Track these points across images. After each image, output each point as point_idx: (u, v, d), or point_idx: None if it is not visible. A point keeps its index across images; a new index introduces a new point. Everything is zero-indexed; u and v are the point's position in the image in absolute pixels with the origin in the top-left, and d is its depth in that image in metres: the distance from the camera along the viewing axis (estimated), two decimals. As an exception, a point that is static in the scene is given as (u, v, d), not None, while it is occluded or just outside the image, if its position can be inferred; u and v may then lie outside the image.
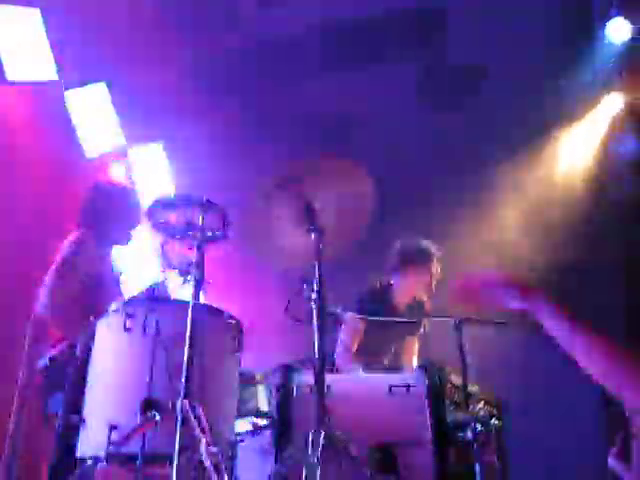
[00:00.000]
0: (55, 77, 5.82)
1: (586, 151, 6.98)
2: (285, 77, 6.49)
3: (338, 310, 4.14)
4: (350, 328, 4.51)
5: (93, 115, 6.15)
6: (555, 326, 1.79)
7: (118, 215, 4.02)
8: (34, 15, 5.63)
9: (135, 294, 3.51)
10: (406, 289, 4.82)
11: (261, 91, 6.59)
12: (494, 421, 3.72)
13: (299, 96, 6.43)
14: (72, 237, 3.89)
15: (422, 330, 4.88)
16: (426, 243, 4.83)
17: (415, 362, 4.76)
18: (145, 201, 4.66)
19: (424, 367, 3.49)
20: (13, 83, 5.52)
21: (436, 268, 4.79)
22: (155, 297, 3.12)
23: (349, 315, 4.50)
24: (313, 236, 3.08)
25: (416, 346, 4.90)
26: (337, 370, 4.32)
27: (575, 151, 6.98)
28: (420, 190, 6.30)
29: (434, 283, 4.79)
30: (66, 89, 6.01)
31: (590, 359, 1.71)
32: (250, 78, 6.56)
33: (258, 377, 3.74)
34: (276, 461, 3.14)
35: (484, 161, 6.33)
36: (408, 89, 6.65)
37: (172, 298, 3.39)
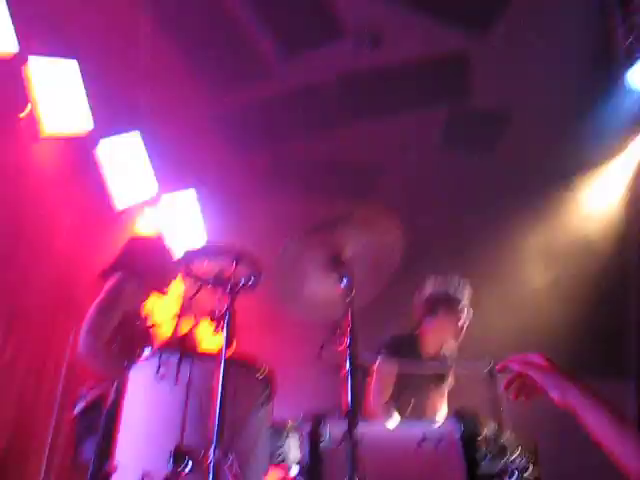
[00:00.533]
0: (91, 127, 5.91)
1: (613, 199, 6.95)
2: (314, 126, 6.56)
3: (369, 356, 4.13)
4: (382, 375, 4.47)
5: (126, 164, 6.22)
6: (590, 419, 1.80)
7: (155, 263, 4.08)
8: (71, 66, 5.70)
9: (167, 343, 3.55)
10: (435, 336, 4.77)
11: (290, 139, 6.66)
12: (531, 469, 3.65)
13: (328, 145, 6.50)
14: (114, 281, 3.95)
15: (447, 384, 4.83)
16: (455, 285, 4.78)
17: (440, 416, 4.68)
18: (177, 249, 4.71)
19: (458, 416, 3.45)
20: (48, 137, 5.61)
21: (467, 310, 4.73)
22: (186, 349, 3.13)
23: (380, 361, 4.46)
24: (343, 285, 3.08)
25: (442, 400, 4.83)
26: (368, 418, 4.28)
27: (601, 199, 6.95)
28: (444, 238, 6.31)
29: (465, 326, 4.73)
30: (99, 138, 6.09)
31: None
32: (280, 127, 6.64)
33: (290, 426, 3.71)
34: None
35: (508, 208, 6.33)
36: (433, 137, 6.70)
37: (202, 348, 3.41)
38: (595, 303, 6.49)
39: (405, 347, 4.70)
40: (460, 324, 4.73)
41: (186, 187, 6.81)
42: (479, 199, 6.50)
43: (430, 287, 4.84)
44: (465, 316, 4.73)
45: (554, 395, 1.88)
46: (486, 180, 6.49)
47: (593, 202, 6.97)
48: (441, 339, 4.78)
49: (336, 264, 3.11)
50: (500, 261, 6.59)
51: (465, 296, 4.75)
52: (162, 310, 4.24)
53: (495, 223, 6.41)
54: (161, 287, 4.17)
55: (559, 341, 6.12)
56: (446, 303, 4.73)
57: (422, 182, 6.44)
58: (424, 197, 6.45)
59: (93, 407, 3.65)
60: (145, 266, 4.10)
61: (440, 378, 4.79)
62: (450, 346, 4.84)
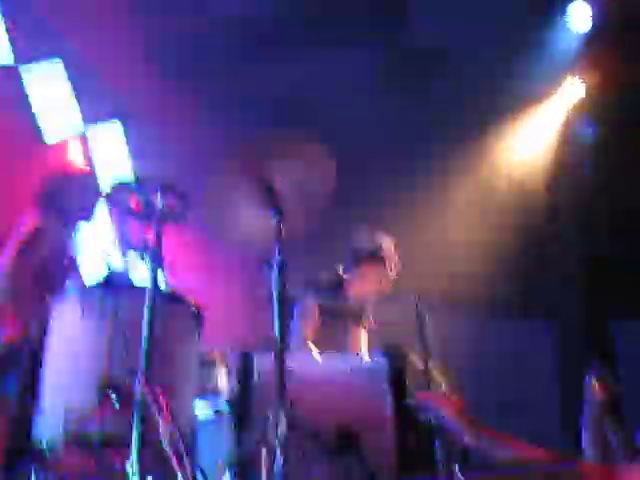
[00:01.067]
0: (11, 60, 5.71)
1: (545, 136, 7.04)
2: (241, 59, 6.42)
3: (297, 293, 4.14)
4: (306, 313, 4.51)
5: (50, 95, 6.03)
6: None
7: (75, 198, 3.98)
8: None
9: (95, 279, 3.49)
10: (360, 286, 4.80)
11: (215, 74, 6.51)
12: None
13: (255, 79, 6.38)
14: (30, 218, 3.85)
15: (367, 322, 4.89)
16: (380, 238, 4.79)
17: (362, 353, 4.74)
18: (104, 182, 4.61)
19: (385, 350, 3.50)
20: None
21: (391, 265, 4.77)
22: (112, 282, 3.07)
23: (307, 300, 4.49)
24: (274, 218, 3.05)
25: (363, 338, 4.89)
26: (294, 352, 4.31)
27: (534, 136, 7.04)
28: (375, 174, 6.31)
29: (390, 278, 4.78)
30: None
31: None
32: (203, 60, 6.47)
33: (217, 357, 3.71)
34: (236, 444, 3.12)
35: (439, 145, 6.36)
36: (366, 72, 6.63)
37: (131, 281, 3.36)
38: (522, 246, 6.63)
39: (333, 288, 4.73)
40: (384, 277, 4.76)
41: (111, 118, 6.65)
42: (413, 141, 6.49)
43: (356, 239, 4.84)
44: (390, 269, 4.76)
45: (466, 440, 2.18)
46: (421, 121, 6.48)
47: (525, 143, 7.06)
48: (365, 289, 4.81)
49: (267, 196, 3.07)
50: (431, 205, 6.64)
51: (390, 250, 4.78)
52: (89, 244, 4.17)
53: (428, 166, 6.44)
54: (81, 218, 4.09)
55: (484, 284, 6.25)
56: (370, 258, 4.74)
57: (356, 123, 6.37)
58: (357, 138, 6.39)
59: (14, 343, 3.59)
60: (65, 202, 4.00)
61: (361, 317, 4.85)
62: (374, 296, 4.89)
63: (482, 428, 2.10)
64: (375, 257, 4.72)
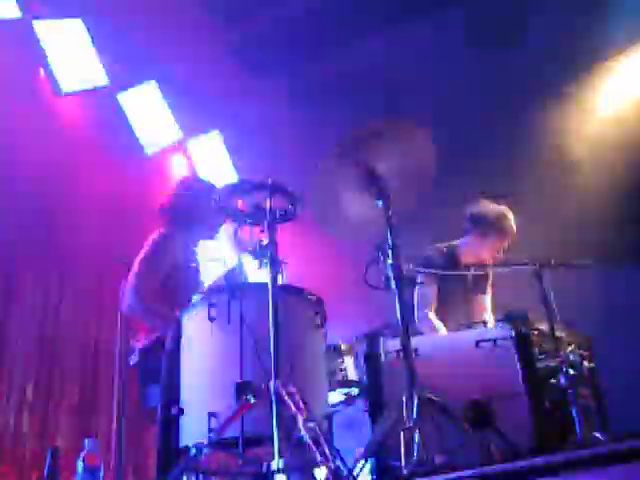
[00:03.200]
0: (106, 82, 5.93)
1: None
2: (329, 43, 6.41)
3: (411, 267, 4.13)
4: (427, 300, 4.50)
5: (148, 113, 6.25)
6: None
7: (204, 212, 4.02)
8: (77, 25, 5.72)
9: (214, 282, 3.59)
10: (476, 255, 4.75)
11: (307, 59, 6.52)
12: (586, 363, 3.67)
13: (345, 60, 6.36)
14: (157, 234, 3.97)
15: (489, 291, 4.83)
16: (503, 211, 4.72)
17: (489, 319, 4.70)
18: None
19: (508, 318, 3.46)
20: (67, 94, 5.65)
21: (511, 236, 4.69)
22: (235, 284, 3.15)
23: (426, 286, 4.48)
24: (380, 202, 3.07)
25: (486, 307, 4.84)
26: (421, 332, 4.31)
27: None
28: (477, 146, 6.20)
29: (507, 249, 4.71)
30: (118, 92, 6.13)
31: None
32: (296, 47, 6.50)
33: (344, 348, 3.77)
34: (372, 429, 3.16)
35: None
36: (453, 37, 6.49)
37: (250, 282, 3.44)
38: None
39: (444, 258, 4.70)
40: (503, 246, 4.70)
41: (210, 129, 6.81)
42: (509, 98, 6.33)
43: (477, 207, 4.78)
44: (509, 242, 4.70)
45: None
46: (515, 77, 6.31)
47: (624, 85, 6.78)
48: (481, 256, 4.76)
49: (371, 180, 3.09)
50: (536, 163, 6.47)
51: (512, 221, 4.71)
52: (208, 253, 4.26)
53: (526, 120, 6.27)
54: (209, 234, 4.18)
55: (599, 234, 6.05)
56: (494, 228, 4.68)
57: (449, 89, 6.27)
58: (452, 104, 6.28)
59: (149, 354, 3.73)
60: (195, 215, 4.07)
61: (482, 285, 4.80)
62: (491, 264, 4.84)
63: None
64: (500, 227, 4.66)
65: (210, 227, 4.13)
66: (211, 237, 4.19)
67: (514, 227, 4.69)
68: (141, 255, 3.89)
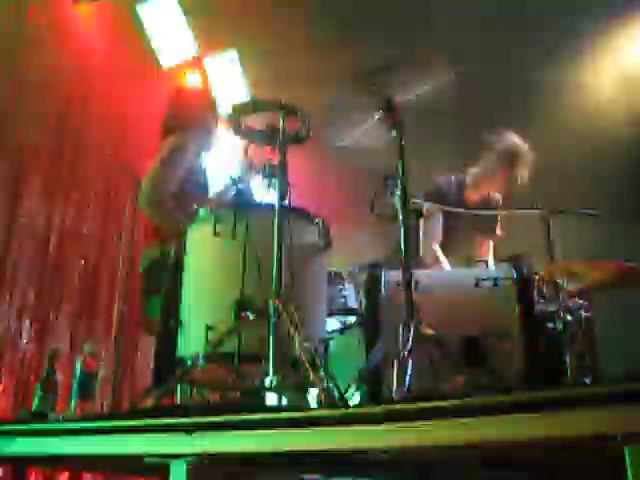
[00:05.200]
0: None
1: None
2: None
3: (418, 200, 4.13)
4: (433, 234, 4.49)
5: (165, 26, 6.17)
6: None
7: (202, 119, 4.07)
8: None
9: (224, 200, 3.60)
10: (487, 188, 4.73)
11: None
12: (583, 312, 3.69)
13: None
14: (173, 138, 3.98)
15: (496, 231, 4.82)
16: (517, 139, 4.66)
17: (490, 262, 4.68)
18: (224, 108, 4.69)
19: (512, 260, 3.47)
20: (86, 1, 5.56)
21: (526, 167, 4.64)
22: (241, 203, 3.15)
23: (433, 221, 4.47)
24: (395, 131, 3.04)
25: (490, 246, 4.83)
26: (424, 264, 4.32)
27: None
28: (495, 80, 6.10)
29: (520, 183, 4.67)
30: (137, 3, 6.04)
31: None
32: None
33: (346, 275, 3.79)
34: (367, 356, 3.20)
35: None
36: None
37: (257, 201, 3.45)
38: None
39: (452, 191, 4.68)
40: (516, 181, 4.66)
41: (227, 47, 6.73)
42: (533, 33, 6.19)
43: (492, 139, 4.72)
44: (523, 174, 4.65)
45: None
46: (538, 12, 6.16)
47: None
48: (490, 188, 4.74)
49: (387, 110, 3.06)
50: (552, 106, 6.39)
51: (527, 152, 4.66)
52: (216, 171, 4.27)
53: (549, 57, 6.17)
54: (208, 140, 4.21)
55: (606, 186, 6.02)
56: (515, 158, 4.63)
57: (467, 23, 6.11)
58: (470, 39, 6.14)
59: (155, 265, 3.77)
60: (198, 121, 4.10)
61: (488, 227, 4.79)
62: (496, 195, 4.81)
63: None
64: (515, 156, 4.62)
65: (209, 134, 4.16)
66: (209, 147, 4.21)
67: (529, 156, 4.65)
68: (164, 152, 3.90)
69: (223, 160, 4.61)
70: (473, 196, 4.74)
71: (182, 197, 3.84)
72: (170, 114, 4.18)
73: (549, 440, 1.79)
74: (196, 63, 6.57)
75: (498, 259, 4.70)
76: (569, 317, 3.39)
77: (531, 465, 2.33)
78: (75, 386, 3.15)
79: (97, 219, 5.34)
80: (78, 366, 3.13)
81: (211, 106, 4.31)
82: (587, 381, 3.29)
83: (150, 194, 3.80)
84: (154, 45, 6.19)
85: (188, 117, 4.11)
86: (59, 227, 5.06)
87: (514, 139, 4.67)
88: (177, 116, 4.14)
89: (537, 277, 3.65)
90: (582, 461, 2.07)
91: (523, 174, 4.63)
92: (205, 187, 4.08)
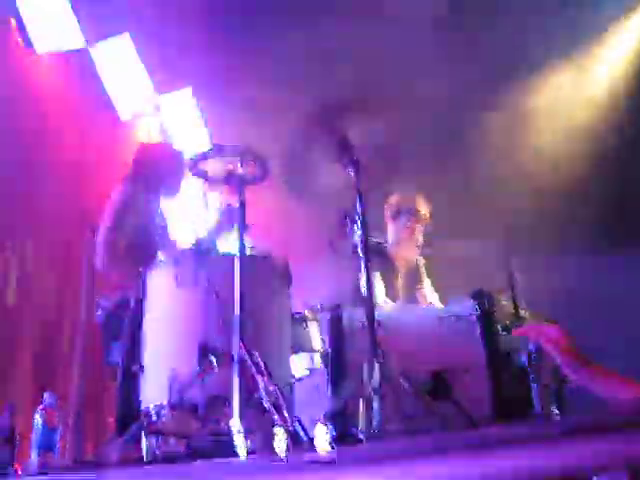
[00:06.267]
0: (83, 45, 5.81)
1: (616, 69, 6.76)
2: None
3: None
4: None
5: (120, 69, 6.14)
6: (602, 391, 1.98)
7: (165, 170, 4.07)
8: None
9: (184, 248, 3.58)
10: (399, 243, 4.76)
11: (277, 31, 6.42)
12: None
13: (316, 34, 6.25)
14: (119, 190, 3.97)
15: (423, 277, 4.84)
16: (411, 196, 4.74)
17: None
18: (184, 150, 4.69)
19: (474, 295, 3.49)
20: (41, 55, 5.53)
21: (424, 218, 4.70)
22: (202, 250, 3.14)
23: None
24: (351, 171, 3.06)
25: (429, 292, 4.85)
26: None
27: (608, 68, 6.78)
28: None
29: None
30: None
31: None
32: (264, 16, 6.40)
33: (309, 315, 3.77)
34: (333, 396, 3.18)
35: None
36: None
37: (218, 248, 3.45)
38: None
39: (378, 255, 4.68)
40: (419, 227, 4.70)
41: (181, 87, 6.74)
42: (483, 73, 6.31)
43: (393, 196, 4.78)
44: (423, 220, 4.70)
45: (569, 374, 2.02)
46: (489, 54, 6.28)
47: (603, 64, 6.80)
48: (405, 243, 4.74)
49: (343, 150, 3.09)
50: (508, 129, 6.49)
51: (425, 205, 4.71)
52: (176, 214, 4.26)
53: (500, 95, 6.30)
54: (171, 191, 4.19)
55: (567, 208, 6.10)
56: (411, 215, 4.67)
57: (418, 59, 6.18)
58: (423, 71, 6.21)
59: (114, 313, 3.72)
60: (156, 173, 4.10)
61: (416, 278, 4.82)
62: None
63: (586, 361, 2.02)
64: (414, 213, 4.66)
65: (170, 188, 4.16)
66: (172, 194, 4.20)
67: (425, 208, 4.71)
68: (107, 210, 3.89)
69: (184, 208, 4.59)
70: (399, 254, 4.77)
71: (137, 248, 3.82)
72: (135, 163, 4.16)
73: (517, 475, 1.78)
74: (152, 110, 6.57)
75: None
76: (533, 350, 3.42)
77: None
78: (35, 438, 3.07)
79: (54, 268, 5.26)
80: (38, 418, 3.06)
81: (173, 157, 4.31)
82: (555, 412, 3.31)
83: (101, 253, 3.80)
84: (112, 95, 6.15)
85: (153, 168, 4.09)
86: (15, 276, 4.98)
87: (402, 194, 4.74)
88: (141, 165, 4.12)
89: (500, 310, 3.68)
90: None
91: (422, 218, 4.69)
92: (162, 236, 4.06)
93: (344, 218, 3.01)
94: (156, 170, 4.09)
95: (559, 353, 2.04)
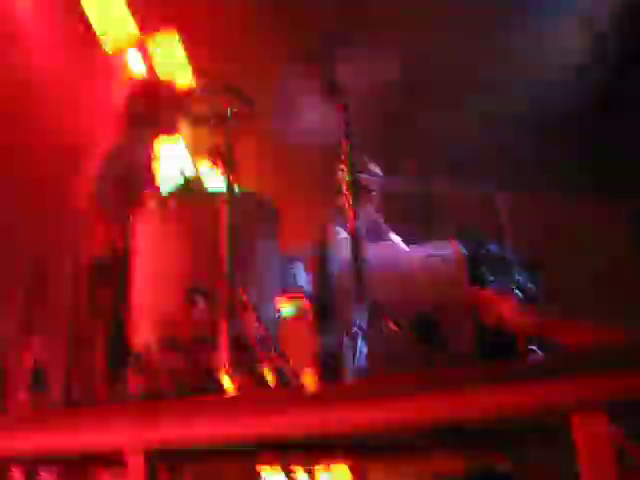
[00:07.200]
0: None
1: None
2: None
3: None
4: None
5: (105, 8, 6.06)
6: None
7: (158, 113, 4.01)
8: None
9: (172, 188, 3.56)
10: None
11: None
12: (534, 287, 3.74)
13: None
14: (117, 132, 3.92)
15: None
16: None
17: None
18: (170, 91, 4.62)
19: (461, 237, 3.50)
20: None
21: None
22: (189, 189, 3.13)
23: None
24: (340, 110, 3.03)
25: None
26: None
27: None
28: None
29: None
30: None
31: None
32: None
33: (297, 255, 3.77)
34: (320, 336, 3.21)
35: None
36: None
37: (207, 187, 3.43)
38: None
39: None
40: None
41: (168, 27, 6.63)
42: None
43: None
44: None
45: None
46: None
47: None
48: None
49: (332, 90, 3.05)
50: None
51: None
52: (162, 151, 4.22)
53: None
54: (167, 130, 4.15)
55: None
56: None
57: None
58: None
59: (104, 261, 3.72)
60: (152, 109, 4.04)
61: None
62: None
63: (542, 318, 2.07)
64: None
65: (165, 128, 4.10)
66: (168, 133, 4.16)
67: None
68: (102, 147, 3.85)
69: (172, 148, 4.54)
70: None
71: (127, 190, 3.79)
72: (129, 106, 4.10)
73: (501, 412, 1.82)
74: (138, 43, 6.47)
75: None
76: (519, 293, 3.44)
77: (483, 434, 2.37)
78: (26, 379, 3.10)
79: (45, 214, 5.23)
80: (28, 359, 3.08)
81: (172, 96, 4.25)
82: (536, 351, 3.35)
83: (92, 194, 3.76)
84: (97, 29, 6.06)
85: (151, 111, 4.03)
86: (6, 220, 4.96)
87: None
88: (133, 108, 4.06)
89: (486, 253, 3.69)
90: (531, 429, 2.11)
91: None
92: (152, 178, 4.03)
93: (334, 156, 2.99)
94: (153, 106, 4.02)
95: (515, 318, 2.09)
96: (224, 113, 2.96)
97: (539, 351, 3.34)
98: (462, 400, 1.85)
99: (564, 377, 1.74)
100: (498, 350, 3.30)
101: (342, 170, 2.96)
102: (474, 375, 1.88)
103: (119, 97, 4.20)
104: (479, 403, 1.83)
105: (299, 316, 3.65)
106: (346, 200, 2.91)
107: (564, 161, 5.71)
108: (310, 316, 3.43)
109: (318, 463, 2.85)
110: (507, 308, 2.18)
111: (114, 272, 3.25)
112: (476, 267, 3.38)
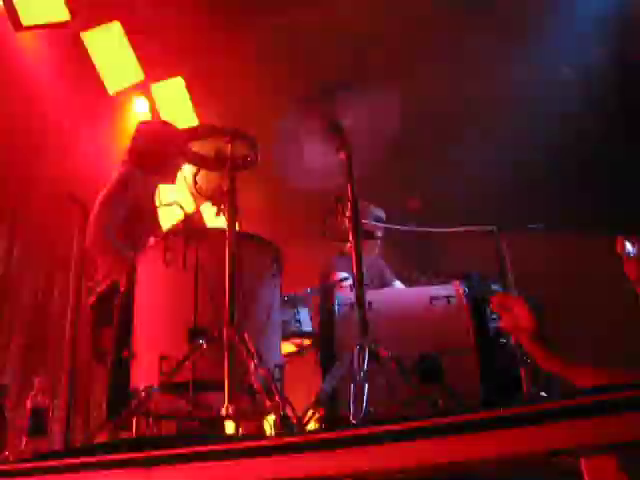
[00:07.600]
0: (68, 17, 5.76)
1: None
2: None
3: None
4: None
5: (110, 53, 6.13)
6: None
7: (164, 155, 4.02)
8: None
9: (172, 226, 3.56)
10: None
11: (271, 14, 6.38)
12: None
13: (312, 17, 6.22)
14: (119, 172, 3.93)
15: None
16: None
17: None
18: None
19: (464, 277, 3.49)
20: (28, 28, 5.48)
21: None
22: (192, 228, 3.13)
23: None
24: (342, 154, 3.05)
25: None
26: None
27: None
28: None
29: None
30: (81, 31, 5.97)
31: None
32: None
33: (300, 298, 3.78)
34: (323, 380, 3.19)
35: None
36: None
37: (208, 228, 3.42)
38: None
39: None
40: None
41: (174, 75, 6.71)
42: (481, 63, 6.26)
43: None
44: None
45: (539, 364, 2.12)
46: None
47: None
48: None
49: (334, 133, 3.07)
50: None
51: None
52: (167, 196, 4.23)
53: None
54: (170, 175, 4.15)
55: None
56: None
57: (418, 44, 6.15)
58: (421, 64, 6.19)
59: (105, 298, 3.70)
60: (157, 153, 4.05)
61: None
62: None
63: (556, 353, 2.05)
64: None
65: (170, 171, 4.11)
66: (171, 181, 4.16)
67: None
68: (105, 191, 3.85)
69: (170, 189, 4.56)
70: None
71: (130, 231, 3.79)
72: (134, 146, 4.11)
73: (502, 457, 1.79)
74: (143, 88, 6.54)
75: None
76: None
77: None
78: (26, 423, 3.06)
79: (46, 251, 5.24)
80: (29, 403, 3.05)
81: (172, 140, 4.25)
82: (542, 394, 3.32)
83: (94, 234, 3.74)
84: (100, 71, 6.12)
85: (154, 150, 4.04)
86: (6, 259, 4.96)
87: None
88: (137, 150, 4.07)
89: (490, 293, 3.68)
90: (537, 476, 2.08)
91: None
92: (154, 220, 4.02)
93: (335, 202, 3.01)
94: (158, 150, 4.03)
95: (528, 344, 2.07)
96: (227, 156, 2.98)
97: (544, 392, 3.33)
98: (465, 444, 1.82)
99: (572, 420, 1.72)
100: (502, 391, 3.29)
101: (345, 215, 2.97)
102: (477, 418, 1.86)
103: (123, 140, 4.23)
104: (481, 447, 1.80)
105: (302, 358, 3.64)
106: (350, 245, 2.92)
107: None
108: (313, 359, 3.42)
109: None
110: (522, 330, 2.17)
111: (116, 313, 3.24)
112: (479, 308, 3.37)
